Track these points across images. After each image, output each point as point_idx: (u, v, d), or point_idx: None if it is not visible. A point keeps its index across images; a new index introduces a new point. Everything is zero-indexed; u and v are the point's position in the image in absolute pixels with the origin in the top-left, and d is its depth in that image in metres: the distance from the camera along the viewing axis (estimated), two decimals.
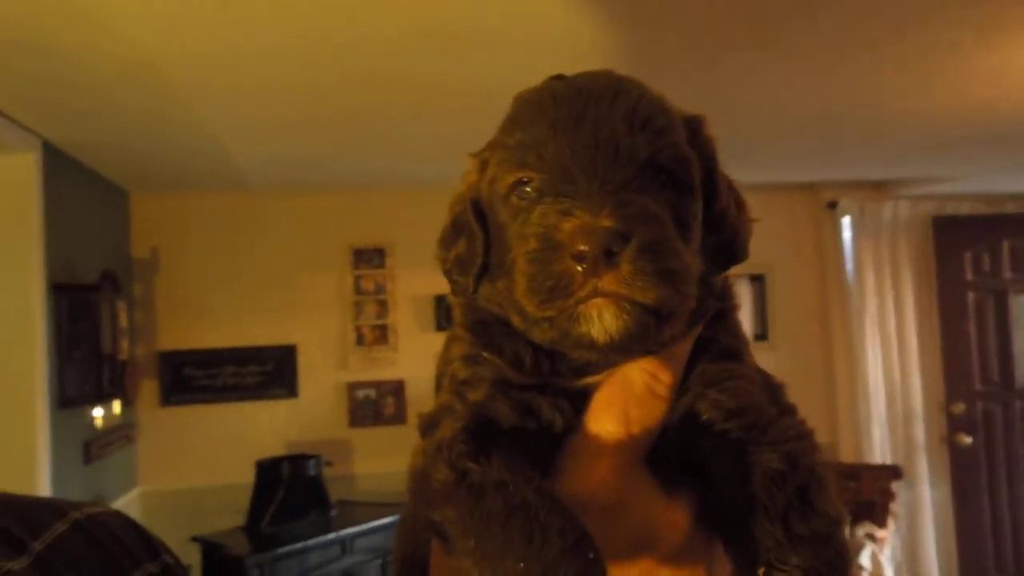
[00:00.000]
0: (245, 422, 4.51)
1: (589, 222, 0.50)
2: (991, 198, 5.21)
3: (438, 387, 0.64)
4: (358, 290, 4.67)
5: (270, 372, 4.55)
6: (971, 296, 5.15)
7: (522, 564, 0.51)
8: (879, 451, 5.00)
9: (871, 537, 4.44)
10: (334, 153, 3.67)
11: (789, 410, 0.62)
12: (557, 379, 0.59)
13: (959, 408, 5.09)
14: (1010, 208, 5.22)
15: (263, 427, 4.52)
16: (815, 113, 3.21)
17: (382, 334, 4.65)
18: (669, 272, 0.52)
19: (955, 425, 5.10)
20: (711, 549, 0.61)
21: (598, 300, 0.51)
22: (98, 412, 3.69)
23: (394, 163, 3.83)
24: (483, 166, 0.62)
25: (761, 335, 5.10)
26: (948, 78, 2.77)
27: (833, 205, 5.05)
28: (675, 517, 0.59)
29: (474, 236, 0.62)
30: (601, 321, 0.52)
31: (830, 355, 5.14)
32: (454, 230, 0.65)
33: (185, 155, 3.55)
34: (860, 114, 3.24)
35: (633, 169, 0.55)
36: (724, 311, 0.65)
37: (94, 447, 3.62)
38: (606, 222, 0.50)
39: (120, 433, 4.00)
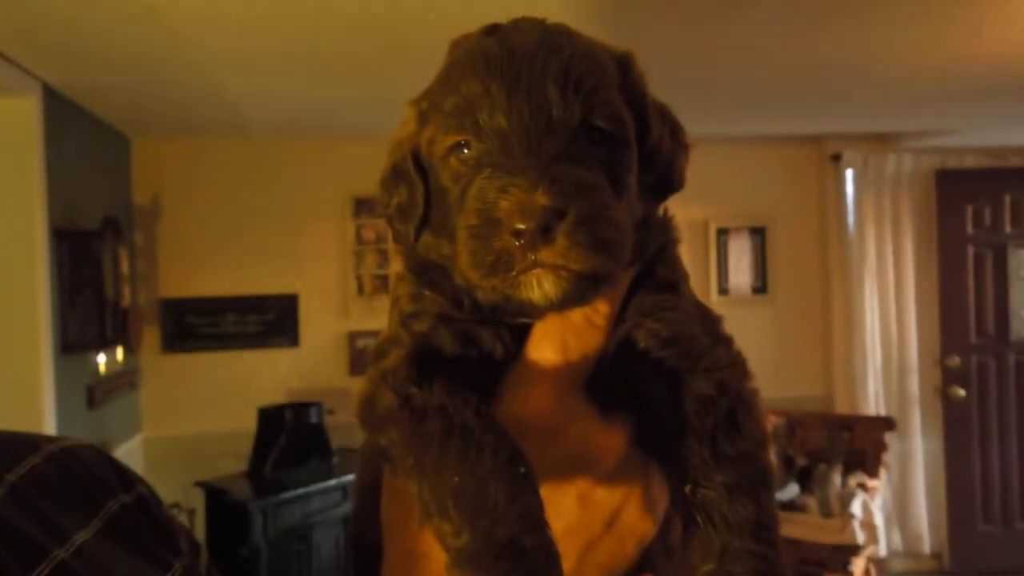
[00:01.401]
0: (247, 370, 4.55)
1: (525, 200, 0.52)
2: (995, 151, 5.19)
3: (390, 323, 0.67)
4: (359, 239, 4.67)
5: (272, 321, 4.58)
6: (971, 250, 5.16)
7: (457, 479, 0.54)
8: (874, 403, 5.06)
9: (863, 487, 4.51)
10: (336, 98, 3.63)
11: (724, 340, 0.65)
12: (497, 316, 0.61)
13: (954, 361, 5.14)
14: (1014, 161, 5.19)
15: (265, 375, 4.56)
16: (820, 65, 3.18)
17: (383, 284, 4.67)
18: (603, 241, 0.54)
19: (949, 378, 5.15)
20: (647, 471, 0.64)
21: (537, 271, 0.54)
22: (101, 358, 3.71)
23: (396, 111, 3.79)
24: (422, 117, 0.64)
25: (760, 288, 5.12)
26: (956, 32, 2.73)
27: (837, 158, 5.02)
28: (611, 440, 0.63)
29: (415, 187, 0.65)
30: (540, 288, 0.55)
31: (828, 308, 5.17)
32: (394, 176, 0.67)
33: (187, 99, 3.51)
34: (866, 67, 3.21)
35: (567, 135, 0.56)
36: (665, 245, 0.67)
37: (97, 392, 3.65)
38: (542, 200, 0.52)
39: (123, 379, 4.03)
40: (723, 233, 5.05)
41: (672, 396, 0.61)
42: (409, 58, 2.84)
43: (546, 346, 0.61)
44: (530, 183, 0.53)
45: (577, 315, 0.61)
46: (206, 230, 4.47)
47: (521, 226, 0.52)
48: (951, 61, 3.10)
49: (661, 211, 0.68)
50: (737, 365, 0.63)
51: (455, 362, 0.60)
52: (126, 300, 4.01)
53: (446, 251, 0.61)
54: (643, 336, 0.62)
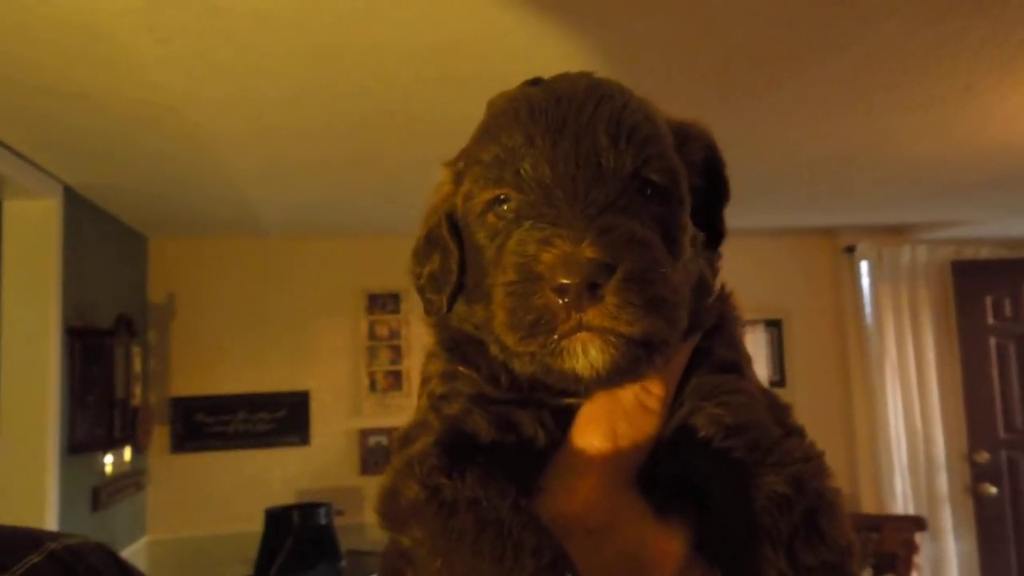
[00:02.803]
0: (256, 470, 4.46)
1: (571, 253, 0.47)
2: (1011, 242, 5.17)
3: (418, 406, 0.61)
4: (372, 335, 4.65)
5: (282, 419, 4.52)
6: (992, 341, 5.07)
7: None
8: (901, 501, 4.88)
9: None
10: (350, 197, 3.69)
11: (795, 431, 0.57)
12: (538, 395, 0.55)
13: (983, 457, 4.98)
14: None
15: (274, 475, 4.47)
16: (830, 156, 3.21)
17: (396, 380, 4.62)
18: (657, 301, 0.48)
19: (979, 474, 4.98)
20: None
21: (582, 335, 0.48)
22: (108, 459, 3.66)
23: (409, 208, 3.84)
24: (458, 178, 0.60)
25: (778, 382, 5.03)
26: (964, 122, 2.76)
27: (851, 250, 5.02)
28: (669, 544, 0.55)
29: (449, 253, 0.60)
30: (586, 356, 0.49)
31: (849, 403, 5.06)
32: (428, 244, 0.62)
33: (204, 200, 3.58)
34: (875, 157, 3.23)
35: (618, 186, 0.52)
36: (723, 322, 0.61)
37: (103, 494, 3.58)
38: (589, 252, 0.47)
39: (130, 480, 3.96)
40: None
41: (739, 494, 0.53)
42: (421, 155, 2.89)
43: (593, 432, 0.54)
44: (576, 234, 0.48)
45: (628, 397, 0.54)
46: (220, 327, 4.47)
47: (565, 281, 0.47)
48: (961, 151, 3.13)
49: (718, 286, 0.63)
50: (814, 459, 0.55)
51: (491, 450, 0.54)
52: (136, 399, 3.98)
53: (480, 317, 0.55)
54: (704, 422, 0.54)
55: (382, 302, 4.64)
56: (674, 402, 0.56)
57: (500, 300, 0.50)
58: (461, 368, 0.57)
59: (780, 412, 0.58)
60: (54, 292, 3.09)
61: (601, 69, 0.59)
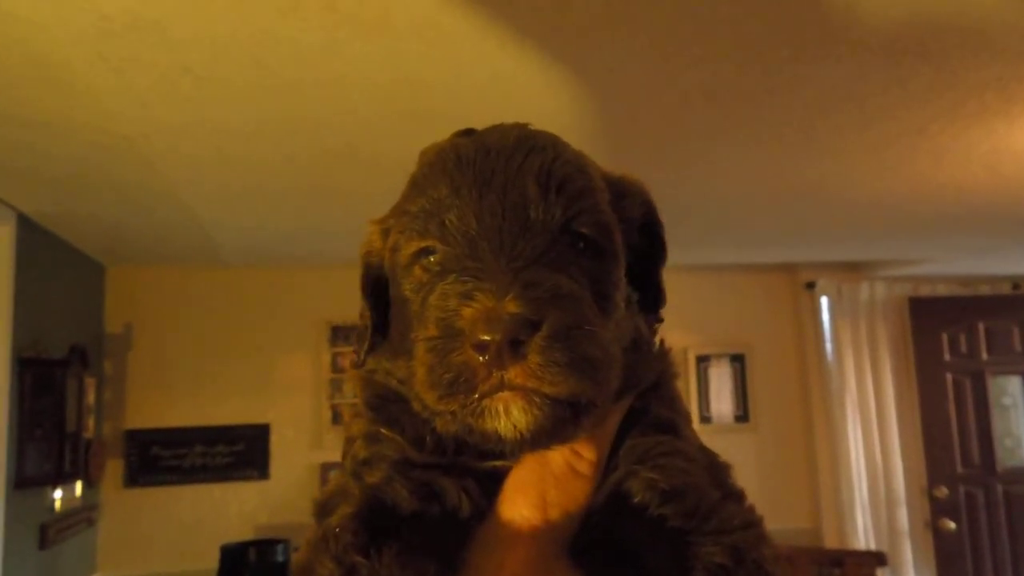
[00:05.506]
0: (213, 505, 4.36)
1: (492, 308, 0.45)
2: (966, 280, 5.27)
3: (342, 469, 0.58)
4: (336, 368, 4.60)
5: (241, 452, 4.43)
6: (949, 377, 5.14)
7: None
8: (863, 536, 4.90)
9: None
10: (312, 228, 3.66)
11: (735, 494, 0.56)
12: (464, 459, 0.52)
13: (942, 492, 5.02)
14: (984, 290, 5.27)
15: (232, 510, 4.37)
16: (788, 193, 3.25)
17: None
18: (585, 360, 0.46)
19: (938, 509, 5.02)
20: None
21: (504, 394, 0.46)
22: (58, 494, 3.55)
23: None
24: (385, 234, 0.59)
25: (742, 416, 5.05)
26: (917, 163, 2.82)
27: (811, 285, 5.08)
28: None
29: (366, 307, 0.59)
30: (508, 416, 0.46)
31: (811, 437, 5.09)
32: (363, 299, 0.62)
33: (163, 228, 3.53)
34: (832, 196, 3.29)
35: (546, 238, 0.50)
36: (660, 380, 0.59)
37: (51, 531, 3.46)
38: (511, 307, 0.45)
39: (80, 516, 3.84)
40: (703, 360, 5.02)
41: (676, 564, 0.50)
42: (384, 188, 2.88)
43: (522, 501, 0.51)
44: (498, 288, 0.45)
45: (558, 461, 0.52)
46: (179, 358, 4.39)
47: (486, 337, 0.44)
48: (915, 191, 3.19)
49: (657, 341, 0.61)
50: (753, 527, 0.53)
51: (412, 521, 0.50)
52: (89, 432, 3.88)
53: (404, 372, 0.53)
54: (638, 488, 0.52)
55: (345, 334, 4.59)
56: (607, 465, 0.54)
57: (420, 356, 0.48)
58: (384, 430, 0.55)
59: (719, 473, 0.56)
60: (5, 321, 3.02)
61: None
